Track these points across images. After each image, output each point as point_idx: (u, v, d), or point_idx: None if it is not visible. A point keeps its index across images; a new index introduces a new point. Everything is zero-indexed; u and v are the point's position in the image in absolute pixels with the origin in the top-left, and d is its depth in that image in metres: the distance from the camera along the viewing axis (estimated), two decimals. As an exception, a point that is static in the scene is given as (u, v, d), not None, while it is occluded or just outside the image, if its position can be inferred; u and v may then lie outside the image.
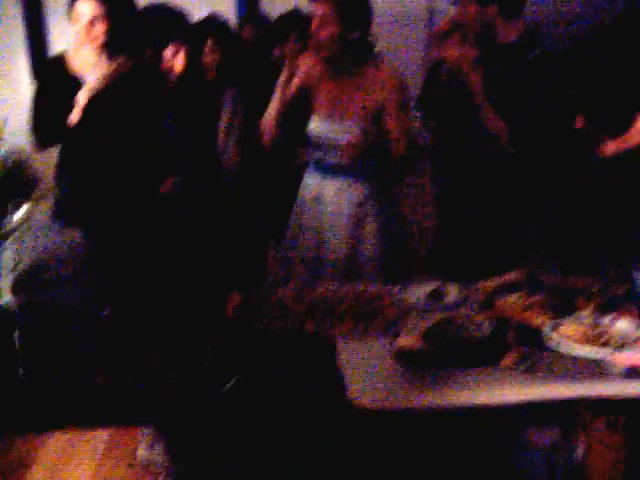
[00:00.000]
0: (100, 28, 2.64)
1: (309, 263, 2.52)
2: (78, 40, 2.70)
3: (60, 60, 2.80)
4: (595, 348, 1.81)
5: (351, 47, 2.45)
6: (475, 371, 1.73)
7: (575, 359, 1.81)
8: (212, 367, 2.05)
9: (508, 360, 1.76)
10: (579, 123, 1.85)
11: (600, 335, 1.87)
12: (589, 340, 1.85)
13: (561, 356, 1.83)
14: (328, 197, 2.54)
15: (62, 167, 2.55)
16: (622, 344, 1.82)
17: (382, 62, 2.56)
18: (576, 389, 1.72)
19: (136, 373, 2.31)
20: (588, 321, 1.95)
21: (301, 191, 2.61)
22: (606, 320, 1.94)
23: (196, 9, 4.76)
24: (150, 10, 2.64)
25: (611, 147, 1.88)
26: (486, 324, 1.85)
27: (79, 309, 2.32)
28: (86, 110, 2.58)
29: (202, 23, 3.32)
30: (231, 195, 3.11)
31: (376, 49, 2.55)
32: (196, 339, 2.14)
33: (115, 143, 2.62)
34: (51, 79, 2.76)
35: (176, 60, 2.40)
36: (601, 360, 1.77)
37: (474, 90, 2.54)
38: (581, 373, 1.76)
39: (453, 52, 2.55)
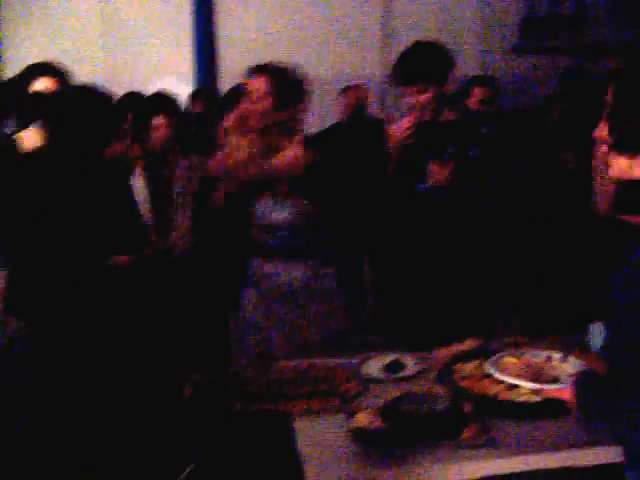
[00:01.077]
0: None
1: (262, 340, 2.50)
2: None
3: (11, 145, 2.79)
4: (527, 382, 1.84)
5: (281, 124, 2.50)
6: (434, 447, 1.71)
7: (536, 429, 1.81)
8: (167, 454, 1.99)
9: (467, 434, 1.75)
10: None
11: (535, 369, 1.92)
12: (523, 374, 1.88)
13: (521, 426, 1.83)
14: (274, 276, 2.55)
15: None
16: (554, 379, 1.84)
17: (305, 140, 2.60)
18: (537, 461, 1.72)
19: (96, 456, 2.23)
20: (527, 357, 2.01)
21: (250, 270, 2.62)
22: (542, 358, 2.00)
23: (157, 82, 4.90)
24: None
25: None
26: (444, 398, 1.83)
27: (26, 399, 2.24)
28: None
29: (150, 99, 3.36)
30: (183, 272, 3.09)
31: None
32: (151, 426, 2.08)
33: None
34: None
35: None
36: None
37: None
38: (542, 444, 1.76)
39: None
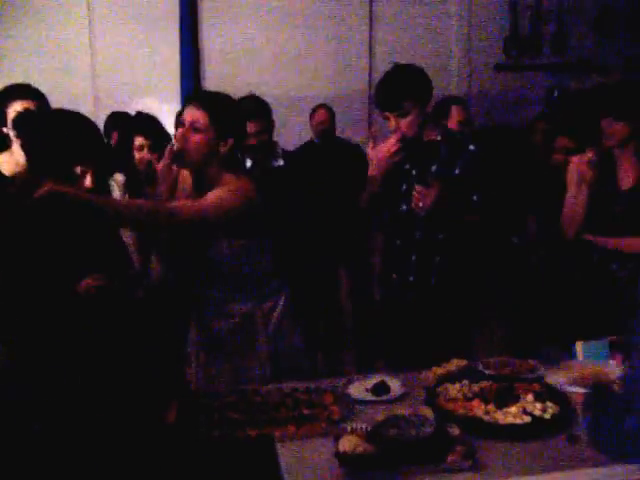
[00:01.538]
0: None
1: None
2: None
3: None
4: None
5: (220, 157, 2.37)
6: (420, 471, 1.70)
7: (523, 451, 1.80)
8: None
9: (454, 456, 1.73)
10: None
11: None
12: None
13: (508, 448, 1.81)
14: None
15: None
16: None
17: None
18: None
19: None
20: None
21: None
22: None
23: (142, 100, 4.89)
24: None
25: None
26: (429, 420, 1.82)
27: (8, 426, 2.20)
28: None
29: (132, 119, 3.34)
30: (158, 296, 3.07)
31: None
32: (134, 450, 2.05)
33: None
34: None
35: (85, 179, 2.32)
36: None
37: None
38: (529, 466, 1.74)
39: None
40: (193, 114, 2.32)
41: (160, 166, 2.44)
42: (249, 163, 3.26)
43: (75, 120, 2.26)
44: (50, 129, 2.22)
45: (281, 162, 3.25)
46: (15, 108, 2.64)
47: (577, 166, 2.78)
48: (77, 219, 2.20)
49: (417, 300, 2.71)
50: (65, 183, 2.19)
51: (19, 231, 2.25)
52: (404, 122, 2.59)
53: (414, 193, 2.57)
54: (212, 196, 2.29)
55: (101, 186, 2.36)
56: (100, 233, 2.41)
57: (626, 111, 2.67)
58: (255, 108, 3.14)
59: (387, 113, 2.62)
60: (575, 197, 2.77)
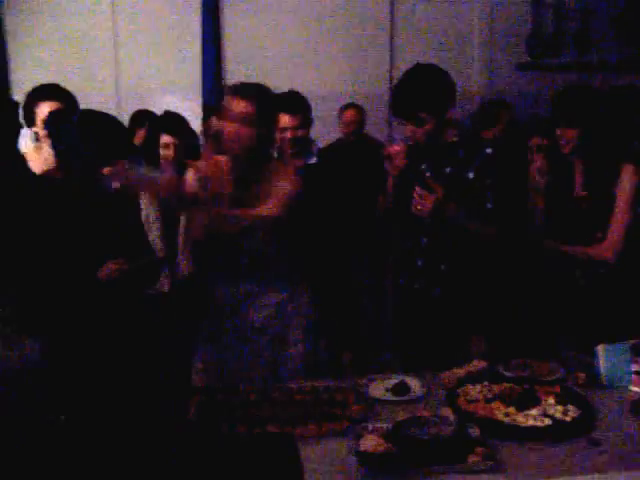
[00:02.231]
0: None
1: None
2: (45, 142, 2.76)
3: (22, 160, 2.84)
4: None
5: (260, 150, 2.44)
6: (441, 472, 1.71)
7: (543, 454, 1.81)
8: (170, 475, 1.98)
9: (473, 459, 1.74)
10: None
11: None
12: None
13: (528, 451, 1.82)
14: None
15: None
16: None
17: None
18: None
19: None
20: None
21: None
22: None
23: (164, 97, 4.93)
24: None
25: None
26: (450, 421, 1.83)
27: (34, 418, 2.24)
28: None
29: (159, 118, 3.38)
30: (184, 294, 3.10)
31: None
32: (158, 445, 2.07)
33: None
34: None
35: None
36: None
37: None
38: (548, 467, 1.75)
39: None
40: (241, 105, 2.37)
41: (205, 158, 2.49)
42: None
43: (104, 121, 2.32)
44: (79, 129, 2.28)
45: (314, 159, 3.27)
46: (44, 109, 2.70)
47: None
48: (101, 209, 2.26)
49: (424, 307, 2.65)
50: (92, 182, 2.26)
51: (43, 220, 2.30)
52: (420, 132, 2.50)
53: (415, 195, 2.49)
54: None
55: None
56: (122, 222, 2.45)
57: (577, 117, 2.60)
58: (293, 102, 3.14)
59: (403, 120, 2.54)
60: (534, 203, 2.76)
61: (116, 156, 2.29)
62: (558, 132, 2.66)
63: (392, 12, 5.29)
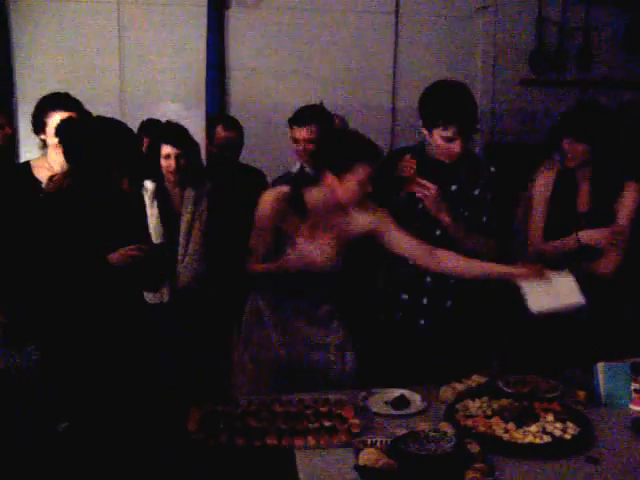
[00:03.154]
0: None
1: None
2: (52, 150, 2.82)
3: (26, 167, 2.88)
4: None
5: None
6: (439, 488, 1.71)
7: (542, 470, 1.80)
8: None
9: (473, 473, 1.74)
10: None
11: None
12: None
13: (527, 467, 1.82)
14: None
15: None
16: None
17: None
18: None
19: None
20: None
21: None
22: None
23: (168, 106, 4.95)
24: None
25: None
26: (449, 437, 1.83)
27: (35, 425, 2.24)
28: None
29: (161, 128, 3.39)
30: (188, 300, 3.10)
31: None
32: (156, 455, 2.07)
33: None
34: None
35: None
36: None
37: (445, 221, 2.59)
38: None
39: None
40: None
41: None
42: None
43: (115, 128, 2.34)
44: (91, 135, 2.30)
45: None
46: (55, 118, 2.75)
47: (537, 187, 2.79)
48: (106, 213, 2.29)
49: (431, 323, 2.67)
50: (104, 188, 2.28)
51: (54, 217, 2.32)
52: (457, 148, 2.56)
53: (417, 181, 2.54)
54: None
55: (136, 192, 2.42)
56: (126, 217, 2.45)
57: (588, 133, 2.62)
58: (310, 115, 3.21)
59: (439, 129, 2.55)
60: (535, 216, 2.77)
61: (126, 162, 2.31)
62: (566, 146, 2.67)
63: (396, 26, 5.31)
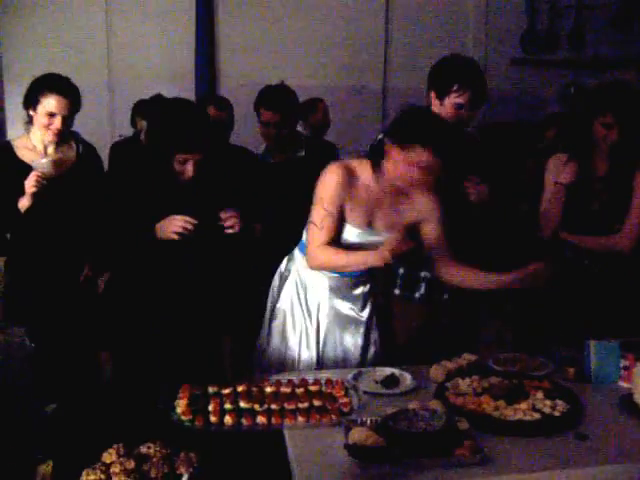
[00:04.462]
0: (59, 121, 2.76)
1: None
2: (37, 128, 2.80)
3: (8, 148, 2.83)
4: None
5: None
6: (429, 464, 1.71)
7: (531, 448, 1.81)
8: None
9: (462, 451, 1.74)
10: None
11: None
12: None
13: (515, 445, 1.82)
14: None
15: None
16: None
17: None
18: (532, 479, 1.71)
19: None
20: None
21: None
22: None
23: (157, 87, 4.91)
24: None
25: None
26: (439, 414, 1.83)
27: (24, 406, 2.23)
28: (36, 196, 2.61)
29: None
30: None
31: None
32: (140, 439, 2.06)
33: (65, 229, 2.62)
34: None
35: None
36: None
37: None
38: (536, 463, 1.75)
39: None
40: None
41: None
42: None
43: (189, 109, 2.35)
44: (165, 116, 2.32)
45: (303, 152, 3.28)
46: (50, 101, 2.74)
47: (553, 167, 2.77)
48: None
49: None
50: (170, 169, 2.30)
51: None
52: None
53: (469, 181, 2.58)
54: None
55: (201, 176, 2.38)
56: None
57: (620, 111, 2.58)
58: (274, 98, 3.18)
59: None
60: (551, 197, 2.75)
61: (196, 145, 2.28)
62: (598, 126, 2.62)
63: (387, 7, 5.28)
